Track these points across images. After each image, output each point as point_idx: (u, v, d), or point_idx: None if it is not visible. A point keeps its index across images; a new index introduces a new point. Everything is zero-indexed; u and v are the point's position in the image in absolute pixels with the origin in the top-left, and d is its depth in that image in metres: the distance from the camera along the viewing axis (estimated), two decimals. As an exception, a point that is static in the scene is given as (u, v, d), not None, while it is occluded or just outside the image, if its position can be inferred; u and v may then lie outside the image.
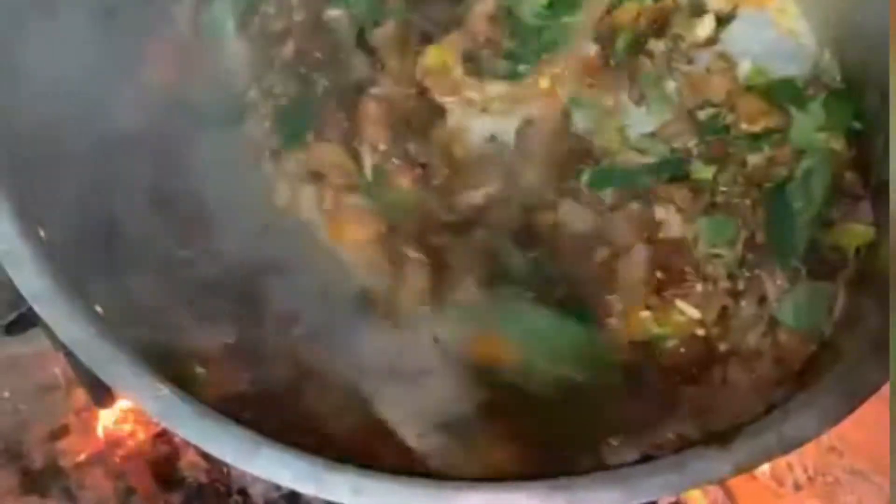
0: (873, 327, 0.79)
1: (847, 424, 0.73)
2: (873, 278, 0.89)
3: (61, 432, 1.13)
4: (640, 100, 1.00)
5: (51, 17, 0.89)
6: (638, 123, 0.99)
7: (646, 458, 0.74)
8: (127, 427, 1.13)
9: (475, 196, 0.95)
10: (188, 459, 1.11)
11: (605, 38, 1.02)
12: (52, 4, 0.88)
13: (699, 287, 0.89)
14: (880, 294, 0.78)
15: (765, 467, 1.08)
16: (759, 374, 0.86)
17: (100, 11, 0.95)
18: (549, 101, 1.00)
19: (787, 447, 0.71)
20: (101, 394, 1.04)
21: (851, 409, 0.72)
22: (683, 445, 0.76)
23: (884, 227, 0.89)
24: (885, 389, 0.72)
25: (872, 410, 0.72)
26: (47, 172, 0.83)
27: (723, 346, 0.88)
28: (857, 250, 0.92)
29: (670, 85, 1.01)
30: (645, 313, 0.89)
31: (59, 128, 0.87)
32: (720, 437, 0.73)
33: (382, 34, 1.01)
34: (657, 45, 1.02)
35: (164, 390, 0.71)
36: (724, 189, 0.94)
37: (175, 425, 0.70)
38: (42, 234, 0.77)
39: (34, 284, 0.74)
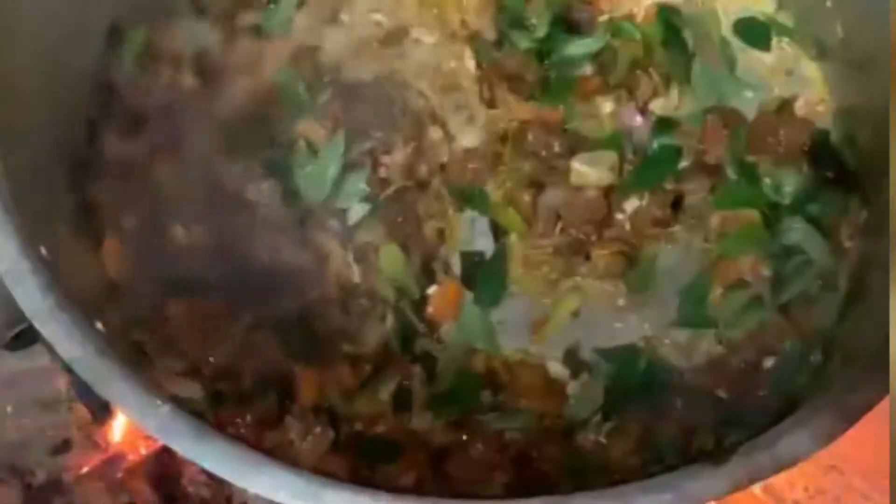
0: (868, 346, 0.79)
1: (847, 443, 0.73)
2: (869, 295, 0.90)
3: (63, 447, 1.13)
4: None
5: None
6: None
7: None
8: (129, 442, 1.13)
9: None
10: (190, 474, 1.11)
11: (604, 59, 1.05)
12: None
13: None
14: (876, 310, 0.79)
15: (763, 485, 1.08)
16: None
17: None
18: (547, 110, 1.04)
19: (781, 466, 0.72)
20: (103, 411, 1.04)
21: (845, 429, 0.72)
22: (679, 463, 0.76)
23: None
24: (886, 408, 0.72)
25: (873, 429, 0.72)
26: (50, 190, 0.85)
27: None
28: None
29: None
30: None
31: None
32: (715, 456, 0.74)
33: None
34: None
35: (164, 407, 0.71)
36: None
37: (174, 442, 0.71)
38: (44, 251, 0.77)
39: (35, 302, 0.75)
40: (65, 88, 0.93)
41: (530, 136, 1.01)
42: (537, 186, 1.00)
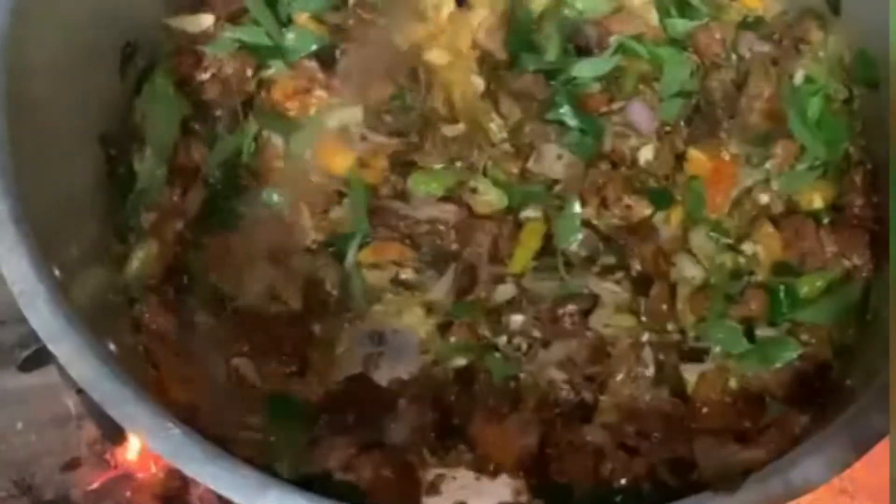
0: (881, 373, 0.79)
1: (858, 467, 0.74)
2: (882, 321, 0.90)
3: (73, 464, 1.13)
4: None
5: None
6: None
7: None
8: (138, 460, 1.13)
9: None
10: (198, 493, 1.11)
11: (612, 77, 1.06)
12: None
13: None
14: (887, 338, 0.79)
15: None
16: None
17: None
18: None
19: (794, 493, 0.72)
20: (113, 430, 1.04)
21: (858, 457, 0.72)
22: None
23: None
24: (896, 432, 0.72)
25: (883, 453, 0.72)
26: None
27: None
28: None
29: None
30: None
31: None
32: (728, 483, 0.74)
33: None
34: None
35: (175, 430, 0.72)
36: None
37: (184, 465, 0.71)
38: (57, 272, 0.78)
39: (49, 324, 0.75)
40: (81, 109, 0.94)
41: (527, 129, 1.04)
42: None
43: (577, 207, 0.99)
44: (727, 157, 1.03)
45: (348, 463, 0.86)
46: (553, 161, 1.01)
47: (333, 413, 0.90)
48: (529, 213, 1.00)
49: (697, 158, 1.02)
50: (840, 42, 1.06)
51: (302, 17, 1.08)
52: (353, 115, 1.03)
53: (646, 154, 1.02)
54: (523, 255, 0.97)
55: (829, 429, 0.75)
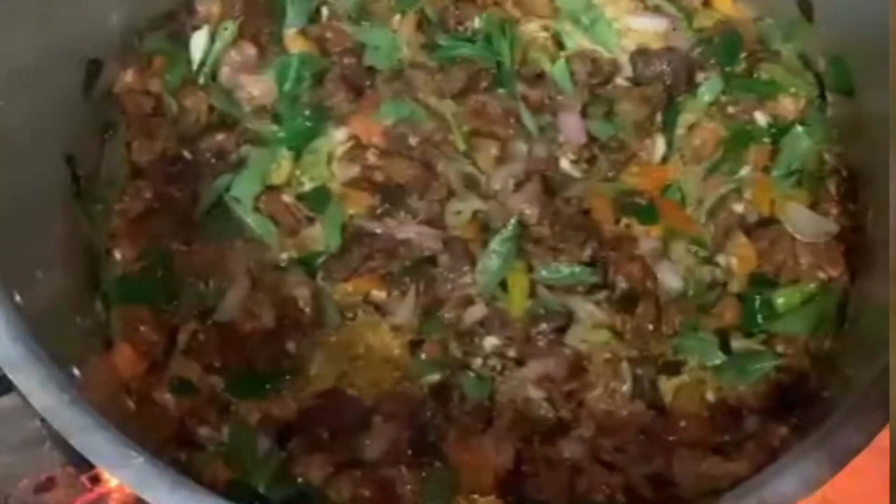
0: (857, 384, 0.79)
1: (841, 475, 0.73)
2: (859, 330, 0.90)
3: (47, 485, 1.12)
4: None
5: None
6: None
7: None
8: (113, 481, 1.12)
9: None
10: (174, 513, 1.10)
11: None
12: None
13: None
14: (867, 352, 0.78)
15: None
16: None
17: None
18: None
19: (769, 509, 0.71)
20: (79, 457, 1.03)
21: (833, 474, 0.71)
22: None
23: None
24: (882, 443, 0.71)
25: (867, 461, 0.72)
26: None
27: None
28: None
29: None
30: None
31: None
32: (706, 499, 0.74)
33: None
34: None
35: (138, 459, 0.70)
36: None
37: (149, 494, 0.70)
38: (17, 298, 0.77)
39: (8, 351, 0.74)
40: (45, 128, 0.93)
41: None
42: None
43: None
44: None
45: (326, 481, 0.86)
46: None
47: (307, 429, 0.90)
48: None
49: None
50: (814, 48, 1.05)
51: (290, 33, 1.09)
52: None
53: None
54: (519, 299, 0.96)
55: (805, 444, 0.75)
